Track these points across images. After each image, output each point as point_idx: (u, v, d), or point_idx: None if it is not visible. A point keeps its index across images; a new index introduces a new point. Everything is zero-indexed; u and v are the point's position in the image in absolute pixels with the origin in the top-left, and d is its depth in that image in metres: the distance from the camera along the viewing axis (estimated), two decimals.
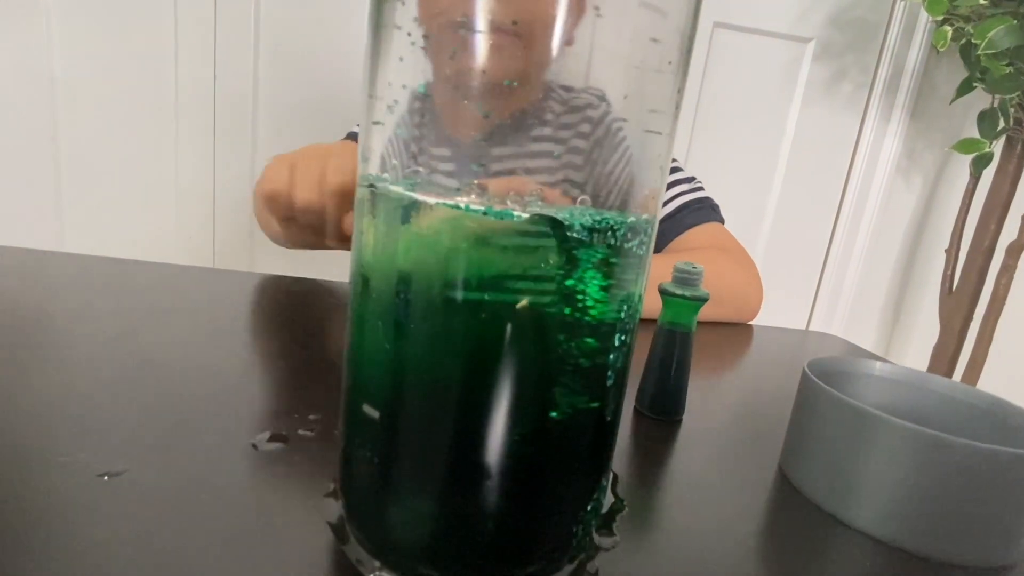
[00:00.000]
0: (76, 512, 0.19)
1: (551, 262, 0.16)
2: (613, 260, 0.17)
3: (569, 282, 0.16)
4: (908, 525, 0.24)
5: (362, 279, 0.18)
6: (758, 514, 0.26)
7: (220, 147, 1.20)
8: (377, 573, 0.19)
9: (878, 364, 0.32)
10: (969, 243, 1.27)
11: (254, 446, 0.25)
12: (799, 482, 0.28)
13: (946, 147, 1.39)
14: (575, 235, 0.16)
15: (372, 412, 0.18)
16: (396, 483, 0.18)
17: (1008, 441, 0.27)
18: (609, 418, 0.19)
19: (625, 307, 0.18)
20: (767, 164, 1.44)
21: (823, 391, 0.26)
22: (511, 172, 0.15)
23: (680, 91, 0.17)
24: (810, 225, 1.48)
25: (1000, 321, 1.24)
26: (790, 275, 1.50)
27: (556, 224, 0.15)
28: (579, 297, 0.16)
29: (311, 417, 0.29)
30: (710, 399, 0.39)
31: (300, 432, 0.27)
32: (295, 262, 1.25)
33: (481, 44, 0.14)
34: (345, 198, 0.42)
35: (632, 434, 0.32)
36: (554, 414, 0.17)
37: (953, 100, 1.24)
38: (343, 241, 0.42)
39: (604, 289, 0.17)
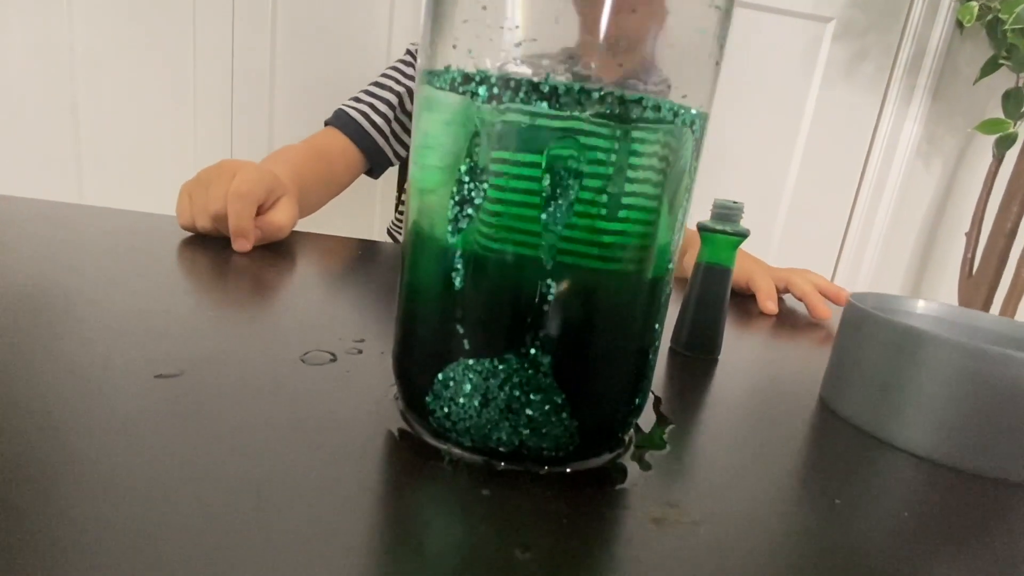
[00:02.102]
0: (131, 409, 0.20)
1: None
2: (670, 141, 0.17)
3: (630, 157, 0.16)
4: (958, 442, 0.24)
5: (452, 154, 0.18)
6: (801, 438, 0.26)
7: (238, 124, 1.21)
8: (446, 448, 0.19)
9: (920, 301, 0.32)
10: (990, 226, 1.26)
11: (303, 360, 0.26)
12: (842, 408, 0.28)
13: (968, 129, 1.37)
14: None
15: (444, 281, 0.18)
16: (462, 358, 0.18)
17: None
18: (652, 290, 0.19)
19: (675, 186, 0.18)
20: (785, 146, 1.42)
21: (870, 315, 0.26)
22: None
23: None
24: (828, 208, 1.47)
25: (1021, 305, 1.22)
26: (808, 258, 1.48)
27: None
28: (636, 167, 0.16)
29: (355, 340, 0.29)
30: (744, 339, 0.39)
31: (347, 353, 0.27)
32: (309, 219, 1.26)
33: None
34: (247, 205, 0.46)
35: (669, 370, 0.32)
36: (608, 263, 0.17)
37: (977, 80, 1.22)
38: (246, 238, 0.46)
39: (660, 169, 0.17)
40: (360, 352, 0.28)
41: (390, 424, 0.21)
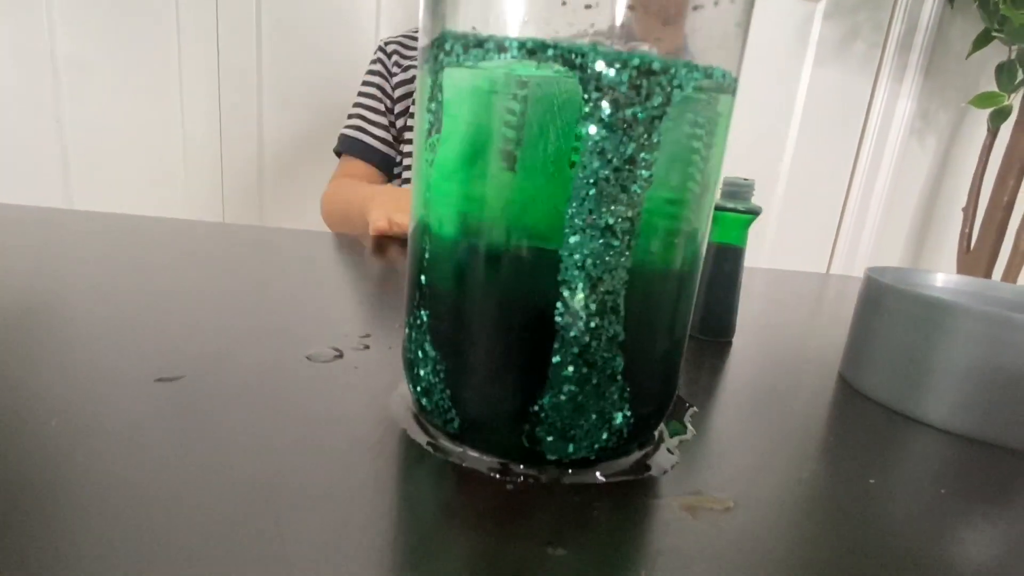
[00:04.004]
0: (133, 413, 0.19)
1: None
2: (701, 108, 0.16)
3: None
4: (987, 414, 0.23)
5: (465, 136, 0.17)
6: (825, 417, 0.25)
7: (226, 123, 1.19)
8: (459, 450, 0.18)
9: (939, 275, 0.31)
10: (987, 201, 1.26)
11: (308, 358, 0.25)
12: (864, 384, 0.27)
13: (961, 104, 1.36)
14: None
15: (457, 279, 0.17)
16: (484, 353, 0.17)
17: None
18: (692, 273, 0.19)
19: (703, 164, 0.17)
20: (780, 126, 1.42)
21: (892, 289, 0.26)
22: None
23: None
24: (825, 187, 1.47)
25: (1021, 278, 1.22)
26: (805, 238, 1.48)
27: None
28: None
29: (361, 336, 0.28)
30: (756, 322, 0.38)
31: (353, 349, 0.26)
32: (302, 220, 1.24)
33: None
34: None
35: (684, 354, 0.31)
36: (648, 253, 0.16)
37: (970, 54, 1.21)
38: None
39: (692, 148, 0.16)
40: (367, 348, 0.27)
41: (402, 422, 0.20)
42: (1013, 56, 1.16)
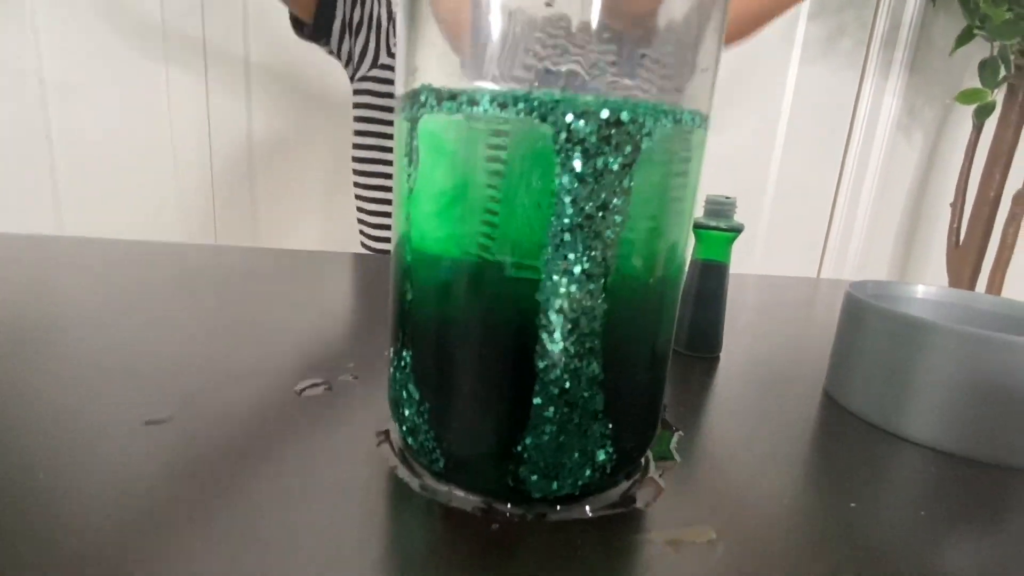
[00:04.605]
0: (122, 460, 0.19)
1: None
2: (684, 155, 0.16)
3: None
4: (965, 430, 0.24)
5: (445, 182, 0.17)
6: (810, 438, 0.25)
7: (215, 135, 1.19)
8: (445, 490, 0.18)
9: (920, 287, 0.31)
10: (974, 195, 1.27)
11: (297, 393, 0.25)
12: (848, 401, 0.28)
13: (946, 100, 1.37)
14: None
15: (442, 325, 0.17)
16: (467, 395, 0.17)
17: None
18: (674, 292, 0.19)
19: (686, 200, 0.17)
20: (768, 126, 1.42)
21: (871, 307, 0.26)
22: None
23: None
24: (814, 185, 1.48)
25: (1008, 271, 1.24)
26: (796, 237, 1.49)
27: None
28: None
29: (349, 364, 0.28)
30: (742, 336, 0.39)
31: (340, 379, 0.27)
32: (297, 238, 1.25)
33: None
34: None
35: (670, 373, 0.32)
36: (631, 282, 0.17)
37: (953, 51, 1.22)
38: None
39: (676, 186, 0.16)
40: (355, 378, 0.27)
41: (391, 460, 0.20)
42: (996, 52, 1.17)
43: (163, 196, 1.21)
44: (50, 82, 1.12)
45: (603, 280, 0.16)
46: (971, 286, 1.27)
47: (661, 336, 0.19)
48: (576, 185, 0.15)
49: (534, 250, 0.15)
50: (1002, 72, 1.18)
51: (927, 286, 0.32)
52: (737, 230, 0.31)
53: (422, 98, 0.16)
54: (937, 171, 1.47)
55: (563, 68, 0.15)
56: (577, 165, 0.15)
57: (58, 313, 0.32)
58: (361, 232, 0.82)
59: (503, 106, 0.15)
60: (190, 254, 0.50)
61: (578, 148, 0.15)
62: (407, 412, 0.19)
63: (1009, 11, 1.06)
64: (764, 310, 0.48)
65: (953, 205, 1.31)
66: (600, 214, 0.15)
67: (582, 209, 0.15)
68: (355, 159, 0.75)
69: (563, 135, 0.15)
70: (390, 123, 0.71)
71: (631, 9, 0.14)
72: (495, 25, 0.15)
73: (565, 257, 0.15)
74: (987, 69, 1.19)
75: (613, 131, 0.15)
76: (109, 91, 1.14)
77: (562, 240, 0.15)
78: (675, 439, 0.24)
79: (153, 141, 1.18)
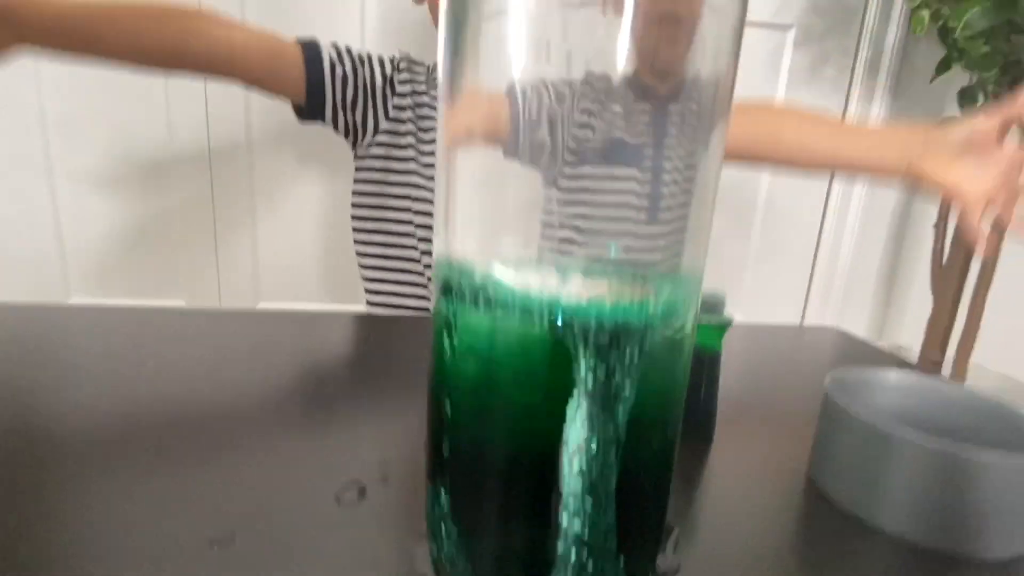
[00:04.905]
0: None
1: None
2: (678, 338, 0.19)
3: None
4: (930, 525, 0.27)
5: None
6: (792, 524, 0.29)
7: (216, 164, 1.21)
8: None
9: (893, 374, 0.35)
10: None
11: (337, 500, 0.28)
12: (827, 490, 0.31)
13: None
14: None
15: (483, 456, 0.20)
16: (496, 541, 0.20)
17: (1015, 442, 0.29)
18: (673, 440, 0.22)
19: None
20: None
21: (845, 412, 0.29)
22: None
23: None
24: (802, 209, 1.52)
25: (991, 291, 1.28)
26: (784, 259, 1.53)
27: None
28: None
29: (380, 462, 0.31)
30: (731, 413, 0.42)
31: (375, 478, 0.29)
32: (297, 241, 1.27)
33: None
34: None
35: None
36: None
37: (933, 79, 1.27)
38: None
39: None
40: (386, 480, 0.30)
41: (424, 570, 0.23)
42: (973, 82, 1.22)
43: (166, 222, 1.23)
44: (51, 117, 1.14)
45: (617, 451, 0.19)
46: (954, 307, 1.31)
47: (661, 485, 0.22)
48: (591, 379, 0.18)
49: (555, 430, 0.18)
50: (980, 100, 1.22)
51: (899, 372, 0.35)
52: (726, 325, 0.35)
53: (453, 292, 0.19)
54: (920, 194, 1.52)
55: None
56: (592, 362, 0.18)
57: (65, 423, 0.35)
58: (365, 289, 0.81)
59: (526, 312, 0.18)
60: (200, 320, 0.52)
61: (592, 349, 0.18)
62: (445, 545, 0.22)
63: (986, 45, 1.10)
64: (757, 394, 0.51)
65: (936, 227, 1.35)
66: (614, 397, 0.18)
67: (598, 399, 0.18)
68: (355, 217, 0.77)
69: (580, 339, 0.18)
70: (391, 183, 0.73)
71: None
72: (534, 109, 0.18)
73: (584, 439, 0.18)
74: (966, 98, 1.23)
75: (621, 335, 0.18)
76: (109, 123, 1.16)
77: (580, 423, 0.18)
78: (674, 536, 0.27)
79: (153, 141, 1.20)
